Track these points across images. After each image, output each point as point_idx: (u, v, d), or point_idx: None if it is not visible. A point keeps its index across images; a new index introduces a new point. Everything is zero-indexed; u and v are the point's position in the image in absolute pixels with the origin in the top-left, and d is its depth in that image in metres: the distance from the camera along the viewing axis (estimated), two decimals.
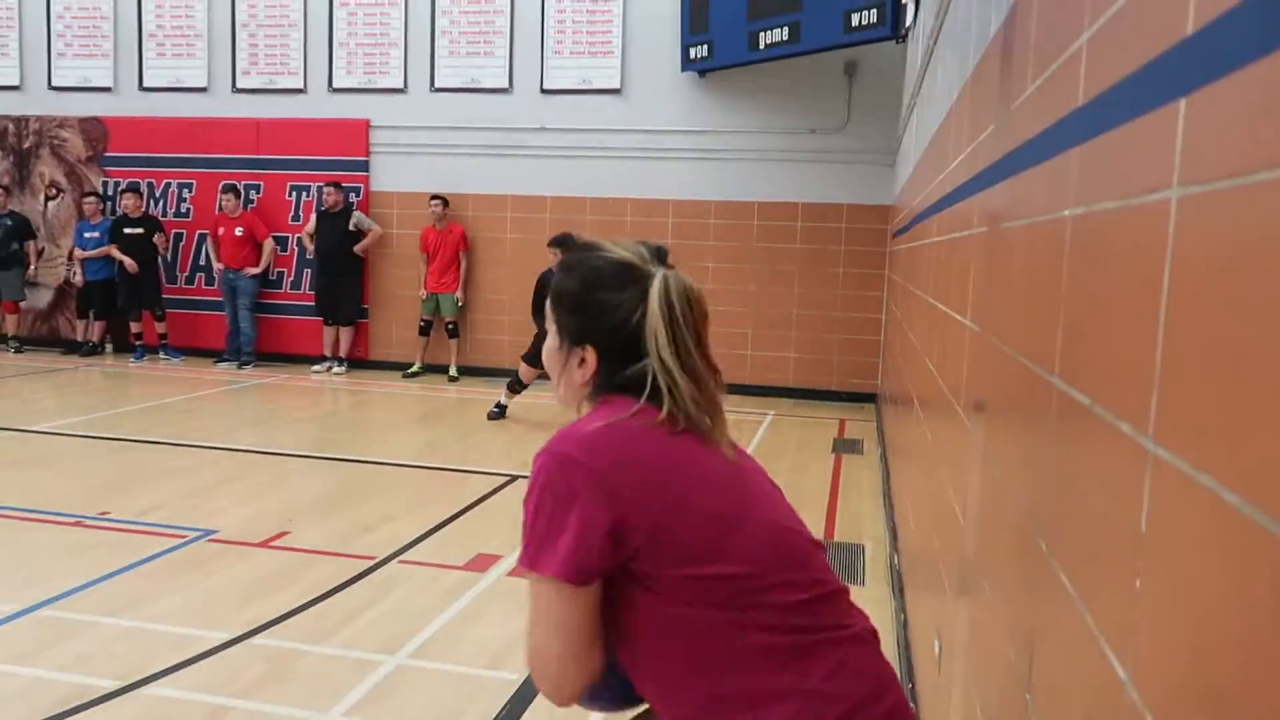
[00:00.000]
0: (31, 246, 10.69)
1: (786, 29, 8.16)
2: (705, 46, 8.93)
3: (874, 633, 1.31)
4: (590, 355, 1.33)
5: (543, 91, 9.90)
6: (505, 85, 9.98)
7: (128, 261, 9.99)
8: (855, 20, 7.64)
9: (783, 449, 6.97)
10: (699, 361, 1.29)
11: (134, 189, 10.31)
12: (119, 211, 10.31)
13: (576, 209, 9.88)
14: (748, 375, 9.25)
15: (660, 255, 1.34)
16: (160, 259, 10.39)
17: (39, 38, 10.93)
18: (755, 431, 7.54)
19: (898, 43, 7.71)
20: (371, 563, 4.25)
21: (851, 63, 8.98)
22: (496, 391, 8.23)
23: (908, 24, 6.72)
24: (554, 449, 1.24)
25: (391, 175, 10.27)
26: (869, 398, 9.03)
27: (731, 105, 9.44)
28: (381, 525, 4.79)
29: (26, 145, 10.97)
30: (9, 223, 10.54)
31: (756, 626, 1.20)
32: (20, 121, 10.95)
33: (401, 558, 4.34)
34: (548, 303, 1.38)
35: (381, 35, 10.19)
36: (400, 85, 10.19)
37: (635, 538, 1.20)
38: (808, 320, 9.39)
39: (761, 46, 8.36)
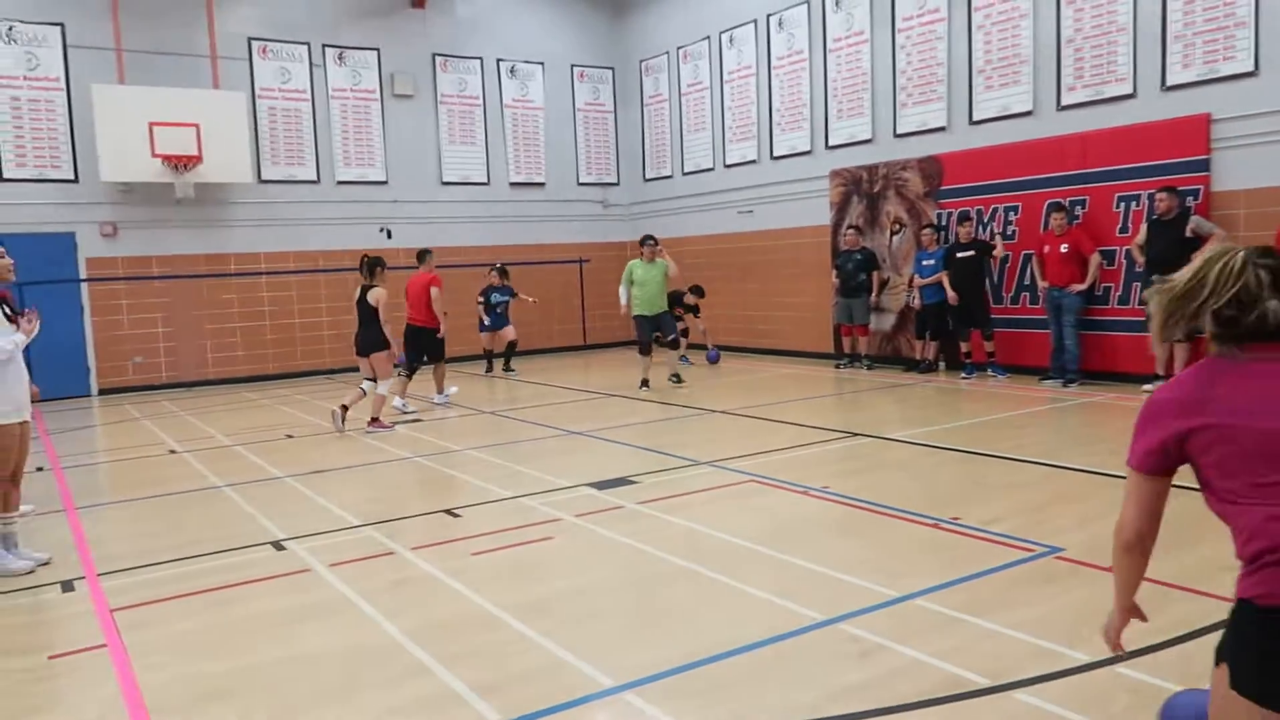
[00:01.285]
0: (875, 277, 12.31)
1: None
2: None
3: None
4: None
5: None
6: None
7: (950, 294, 10.81)
8: None
9: None
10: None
11: (965, 217, 11.09)
12: (953, 239, 11.20)
13: None
14: None
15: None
16: (988, 281, 10.98)
17: (886, 94, 12.53)
18: None
19: None
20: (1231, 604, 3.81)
21: None
22: None
23: None
24: (1153, 394, 1.98)
25: (1238, 171, 9.14)
26: None
27: None
28: None
29: (876, 189, 12.67)
30: (859, 257, 12.31)
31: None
32: (872, 170, 12.70)
33: None
34: None
35: (1226, 17, 9.16)
36: (1250, 68, 9.02)
37: (1193, 449, 1.87)
38: None
39: None
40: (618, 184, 17.67)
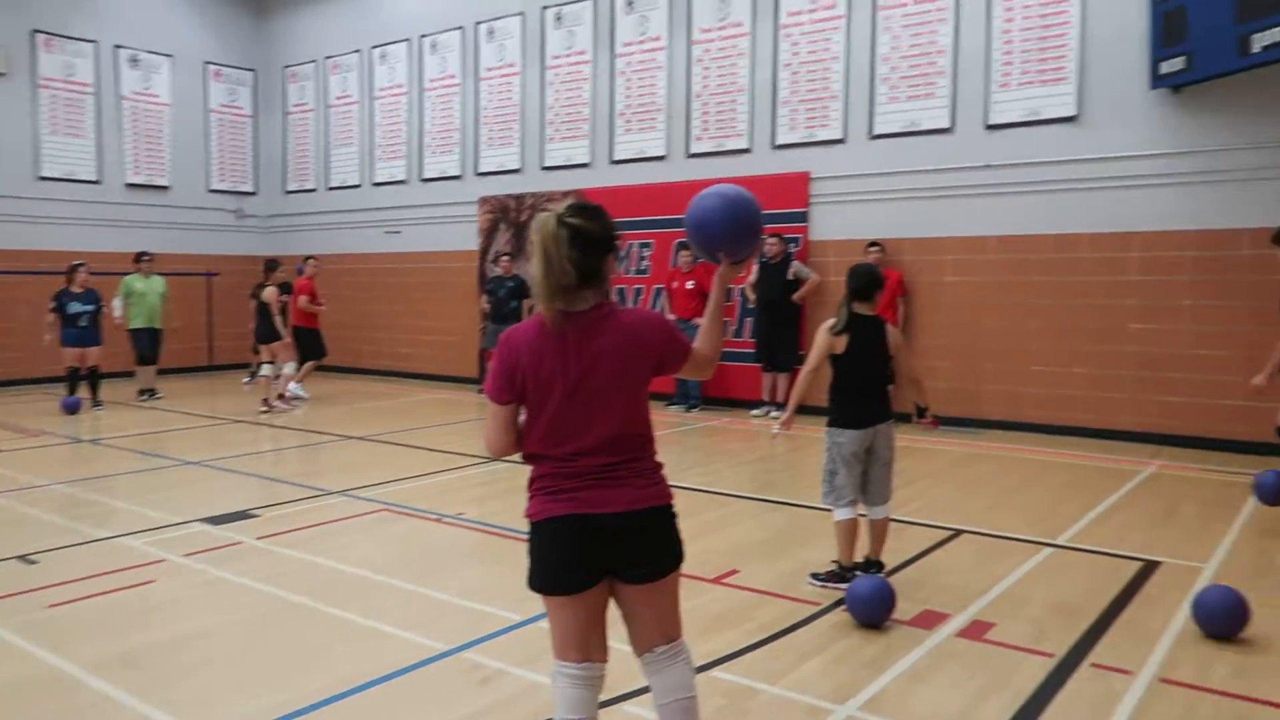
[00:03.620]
0: (526, 305, 12.57)
1: None
2: (1182, 59, 7.98)
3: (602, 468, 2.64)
4: None
5: (987, 128, 9.53)
6: (947, 125, 9.77)
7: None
8: None
9: None
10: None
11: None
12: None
13: (1026, 247, 9.33)
14: (1229, 428, 8.07)
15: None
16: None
17: (535, 127, 12.90)
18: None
19: None
20: (818, 608, 4.32)
21: None
22: (926, 441, 7.88)
23: None
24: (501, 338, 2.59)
25: (829, 224, 10.52)
26: None
27: (1212, 121, 8.32)
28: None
29: (523, 219, 12.97)
30: (510, 284, 12.52)
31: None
32: (519, 199, 12.99)
33: (844, 608, 4.35)
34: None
35: (823, 90, 10.53)
36: (840, 136, 10.43)
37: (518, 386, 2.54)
38: None
39: (1255, 50, 7.26)
40: (255, 194, 16.49)
